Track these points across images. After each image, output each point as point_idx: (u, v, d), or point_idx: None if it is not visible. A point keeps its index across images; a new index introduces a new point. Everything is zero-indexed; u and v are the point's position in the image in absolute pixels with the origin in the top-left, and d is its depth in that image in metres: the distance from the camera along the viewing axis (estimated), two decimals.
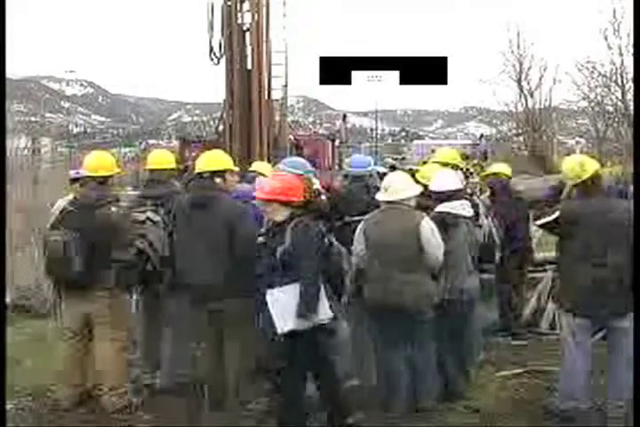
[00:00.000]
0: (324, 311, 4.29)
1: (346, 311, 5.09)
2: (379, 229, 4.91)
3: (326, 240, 4.43)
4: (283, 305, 4.24)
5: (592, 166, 4.83)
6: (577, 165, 4.84)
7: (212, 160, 5.04)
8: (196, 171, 5.00)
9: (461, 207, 5.21)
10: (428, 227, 4.84)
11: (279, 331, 4.25)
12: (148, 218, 5.24)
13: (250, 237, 4.64)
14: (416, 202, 5.07)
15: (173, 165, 5.72)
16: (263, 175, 5.71)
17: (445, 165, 6.20)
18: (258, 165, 6.42)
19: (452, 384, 5.15)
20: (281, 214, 4.40)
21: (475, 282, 5.27)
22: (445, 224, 5.07)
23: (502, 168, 7.34)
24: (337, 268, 4.47)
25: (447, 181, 5.34)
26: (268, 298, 4.29)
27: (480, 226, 5.49)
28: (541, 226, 5.00)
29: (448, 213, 5.14)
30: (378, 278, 4.86)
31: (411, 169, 7.10)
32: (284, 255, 4.28)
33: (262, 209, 4.62)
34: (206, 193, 4.88)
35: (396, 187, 4.95)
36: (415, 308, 4.82)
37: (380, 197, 5.01)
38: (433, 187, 5.34)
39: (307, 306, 4.22)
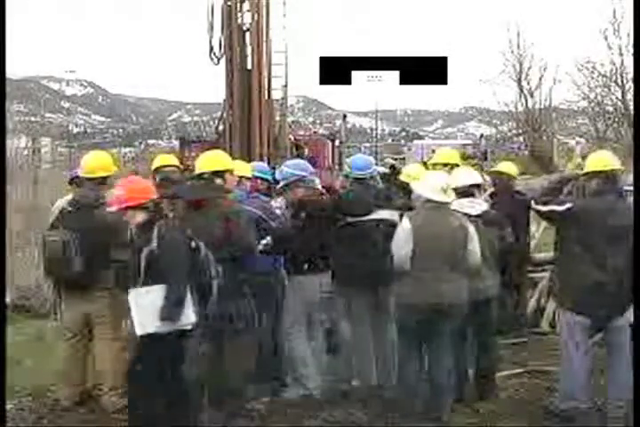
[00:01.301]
0: (188, 316, 4.20)
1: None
2: (431, 230, 4.81)
3: (193, 244, 4.34)
4: (145, 306, 4.16)
5: (592, 165, 4.86)
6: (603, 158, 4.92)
7: (213, 160, 5.03)
8: (197, 171, 5.00)
9: (469, 205, 5.17)
10: (472, 227, 4.85)
11: (138, 332, 4.17)
12: None
13: (246, 238, 4.72)
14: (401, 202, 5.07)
15: (178, 165, 5.83)
16: (245, 177, 5.58)
17: (445, 164, 6.22)
18: (237, 166, 5.53)
19: (465, 386, 5.16)
20: (139, 217, 4.35)
21: (489, 282, 5.20)
22: None
23: (506, 167, 7.35)
24: (204, 273, 4.36)
25: (461, 176, 5.33)
26: (131, 298, 4.22)
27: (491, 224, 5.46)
28: (545, 213, 4.91)
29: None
30: (428, 279, 4.76)
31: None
32: (149, 256, 4.21)
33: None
34: (207, 193, 4.88)
35: (449, 187, 4.91)
36: (462, 307, 4.82)
37: (439, 198, 4.85)
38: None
39: (170, 309, 4.13)
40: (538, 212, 5.00)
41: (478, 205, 5.21)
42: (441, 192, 4.86)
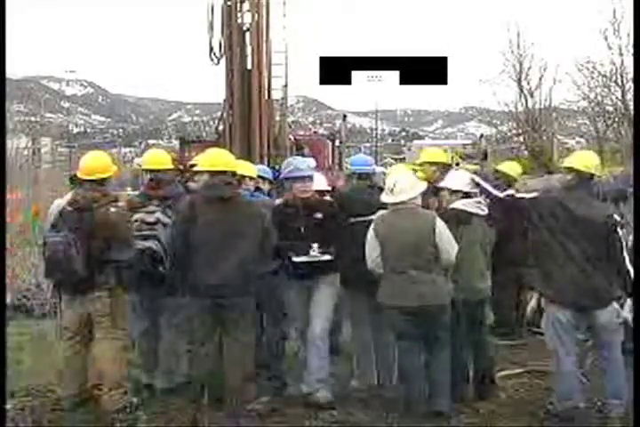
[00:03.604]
0: None
1: None
2: (392, 232, 4.84)
3: None
4: None
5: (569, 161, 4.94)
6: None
7: (228, 159, 5.01)
8: (220, 168, 4.88)
9: (477, 206, 5.18)
10: (442, 226, 4.83)
11: None
12: (158, 220, 5.21)
13: (274, 235, 4.84)
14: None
15: (171, 166, 5.70)
16: (250, 177, 5.59)
17: (435, 164, 6.28)
18: (240, 166, 5.52)
19: (464, 386, 5.16)
20: None
21: (487, 282, 5.23)
22: (457, 222, 5.04)
23: (508, 168, 7.33)
24: None
25: (453, 181, 5.34)
26: None
27: (491, 225, 5.46)
28: (514, 201, 5.08)
29: (461, 211, 5.12)
30: (396, 280, 4.80)
31: (413, 169, 7.08)
32: None
33: None
34: (233, 191, 4.89)
35: (401, 187, 4.90)
36: (435, 307, 4.81)
37: (385, 199, 4.95)
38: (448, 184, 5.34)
39: None
40: (508, 201, 5.16)
41: (483, 206, 5.21)
42: (387, 193, 4.91)
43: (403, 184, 4.93)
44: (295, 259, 5.05)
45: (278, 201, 5.60)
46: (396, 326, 4.96)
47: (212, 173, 4.91)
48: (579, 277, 4.65)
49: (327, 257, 5.04)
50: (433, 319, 4.84)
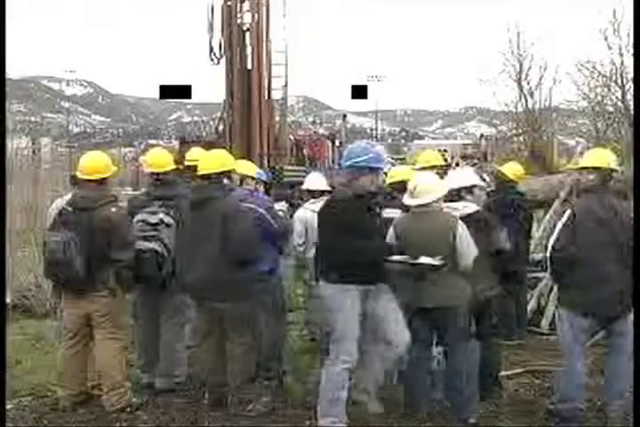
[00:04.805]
0: None
1: None
2: (411, 234, 4.77)
3: None
4: None
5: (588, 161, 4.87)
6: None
7: (219, 160, 5.00)
8: (203, 171, 4.91)
9: (460, 210, 5.04)
10: (463, 229, 4.75)
11: None
12: (161, 220, 5.20)
13: (247, 238, 4.74)
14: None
15: (173, 166, 5.69)
16: (249, 177, 5.57)
17: (433, 167, 6.25)
18: (241, 165, 5.55)
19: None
20: None
21: (488, 285, 5.12)
22: None
23: (509, 170, 7.31)
24: None
25: (451, 180, 5.26)
26: None
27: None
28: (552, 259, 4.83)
29: None
30: (414, 282, 4.73)
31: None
32: None
33: None
34: (215, 193, 4.89)
35: (422, 189, 4.80)
36: (450, 309, 4.75)
37: (408, 202, 4.84)
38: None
39: None
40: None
41: (470, 209, 5.04)
42: (408, 195, 4.86)
43: (424, 186, 4.83)
44: (424, 260, 4.55)
45: (277, 206, 5.56)
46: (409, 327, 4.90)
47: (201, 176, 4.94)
48: (608, 286, 4.59)
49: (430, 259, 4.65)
50: (447, 321, 4.80)
